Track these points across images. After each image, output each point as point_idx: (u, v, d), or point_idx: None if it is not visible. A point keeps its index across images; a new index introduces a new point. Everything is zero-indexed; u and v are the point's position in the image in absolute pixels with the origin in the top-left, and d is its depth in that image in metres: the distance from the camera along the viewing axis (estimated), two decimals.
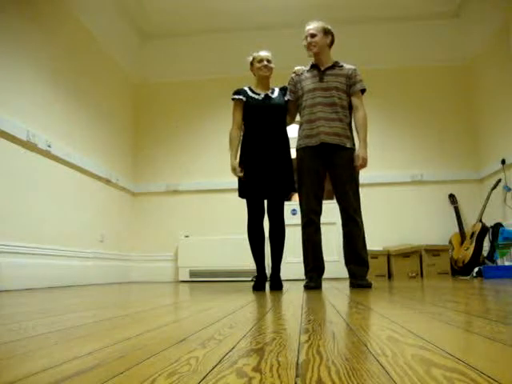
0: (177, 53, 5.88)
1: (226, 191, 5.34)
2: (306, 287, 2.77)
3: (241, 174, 2.85)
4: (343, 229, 2.87)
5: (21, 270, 3.34)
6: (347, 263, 2.86)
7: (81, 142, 4.43)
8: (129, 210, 5.54)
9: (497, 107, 4.86)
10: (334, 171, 2.87)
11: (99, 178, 4.76)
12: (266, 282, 2.95)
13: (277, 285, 2.87)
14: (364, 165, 2.84)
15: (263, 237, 2.95)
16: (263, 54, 2.96)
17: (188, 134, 5.74)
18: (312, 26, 2.92)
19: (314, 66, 2.97)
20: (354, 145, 2.89)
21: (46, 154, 3.77)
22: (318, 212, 2.88)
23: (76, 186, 4.30)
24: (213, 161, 5.56)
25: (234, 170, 2.87)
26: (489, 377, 0.53)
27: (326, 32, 2.92)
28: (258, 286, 2.82)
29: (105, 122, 5.01)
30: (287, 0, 5.19)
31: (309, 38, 2.90)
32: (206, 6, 5.24)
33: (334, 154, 2.84)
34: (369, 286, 2.72)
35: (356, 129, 2.91)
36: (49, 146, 3.78)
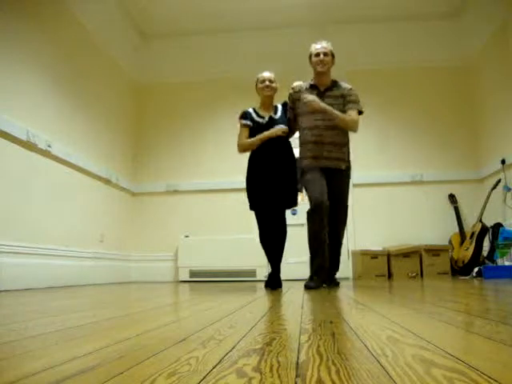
0: (177, 53, 5.87)
1: (226, 191, 5.34)
2: (307, 287, 2.78)
3: (285, 129, 2.95)
4: (330, 239, 2.96)
5: (21, 269, 3.34)
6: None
7: (81, 142, 4.43)
8: (129, 210, 5.54)
9: (497, 107, 4.86)
10: (329, 189, 2.95)
11: (99, 178, 4.75)
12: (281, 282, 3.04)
13: (276, 283, 2.95)
14: (310, 105, 2.87)
15: (276, 242, 3.04)
16: (266, 75, 3.07)
17: (188, 134, 5.73)
18: (325, 45, 3.01)
19: (313, 86, 3.04)
20: (349, 163, 3.05)
21: (46, 153, 3.77)
22: (327, 206, 2.90)
23: (76, 186, 4.29)
24: (213, 161, 5.56)
25: (274, 132, 2.94)
26: (489, 377, 0.53)
27: (333, 55, 3.03)
28: (272, 284, 2.96)
29: (105, 121, 5.01)
30: (287, 0, 5.19)
31: (322, 56, 2.97)
32: (206, 6, 5.23)
33: (331, 176, 2.96)
34: (337, 284, 3.05)
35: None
36: (49, 146, 3.78)
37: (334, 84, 3.03)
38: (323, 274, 2.87)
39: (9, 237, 3.27)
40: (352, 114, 2.93)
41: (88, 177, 4.53)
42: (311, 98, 2.88)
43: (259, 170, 2.98)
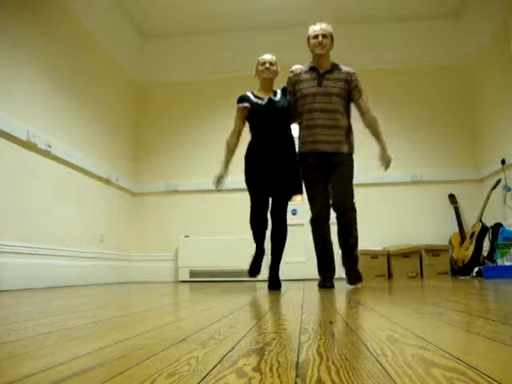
0: (177, 53, 5.87)
1: (226, 191, 5.32)
2: (322, 286, 2.81)
3: (218, 186, 2.94)
4: (338, 225, 2.86)
5: (21, 269, 3.34)
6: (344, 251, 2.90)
7: (81, 142, 4.43)
8: (129, 210, 5.54)
9: (497, 107, 4.86)
10: (332, 170, 2.87)
11: (99, 178, 4.75)
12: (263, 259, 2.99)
13: (275, 284, 2.90)
14: (389, 164, 2.92)
15: (266, 224, 2.93)
16: (266, 57, 2.98)
17: (188, 134, 5.73)
18: (324, 27, 2.90)
19: (312, 69, 2.96)
20: (351, 148, 2.93)
21: (46, 153, 3.77)
22: (328, 213, 2.89)
23: (76, 186, 4.29)
24: (213, 161, 5.51)
25: (216, 177, 2.93)
26: (489, 377, 0.53)
27: (332, 38, 2.94)
28: (255, 269, 2.93)
29: (105, 121, 5.01)
30: (288, 0, 5.19)
31: (320, 37, 2.87)
32: (206, 6, 5.23)
33: (332, 158, 2.86)
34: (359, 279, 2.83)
35: (371, 131, 2.95)
36: (49, 146, 3.78)
37: (335, 67, 2.93)
38: (330, 277, 2.87)
39: (9, 237, 3.27)
40: (364, 103, 2.93)
41: (88, 177, 4.53)
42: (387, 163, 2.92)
43: (258, 158, 2.87)
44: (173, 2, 5.17)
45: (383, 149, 2.91)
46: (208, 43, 5.78)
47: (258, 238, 2.96)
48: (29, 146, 3.53)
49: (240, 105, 2.95)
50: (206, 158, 5.63)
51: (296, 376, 0.56)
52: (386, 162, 2.90)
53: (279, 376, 0.56)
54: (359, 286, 2.82)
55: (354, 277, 2.83)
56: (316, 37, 2.89)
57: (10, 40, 3.43)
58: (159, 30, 5.74)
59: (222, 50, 5.75)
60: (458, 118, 5.43)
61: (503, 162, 4.59)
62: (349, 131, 2.94)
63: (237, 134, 3.00)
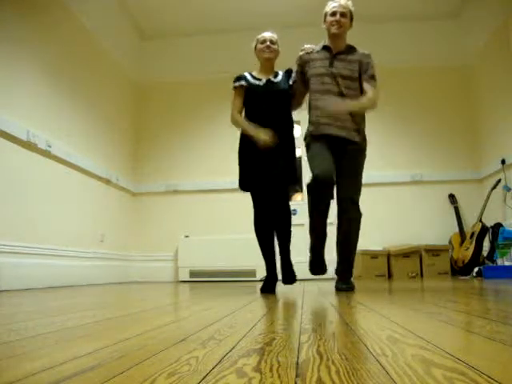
0: (177, 53, 5.88)
1: (226, 191, 5.33)
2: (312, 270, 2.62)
3: (267, 139, 2.50)
4: (338, 220, 2.58)
5: (21, 270, 3.34)
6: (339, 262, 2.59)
7: (81, 142, 4.43)
8: (129, 209, 5.54)
9: (497, 107, 4.86)
10: (338, 162, 2.56)
11: (99, 178, 4.75)
12: (277, 283, 2.68)
13: (290, 277, 2.61)
14: (339, 108, 2.50)
15: (273, 231, 2.64)
16: (266, 34, 2.74)
17: (188, 134, 5.73)
18: (344, 3, 2.56)
19: (325, 48, 2.65)
20: (363, 139, 2.61)
21: (46, 153, 3.77)
22: (333, 180, 2.49)
23: (76, 186, 4.29)
24: (213, 161, 5.56)
25: (260, 136, 2.51)
26: (489, 377, 0.53)
27: (352, 16, 2.61)
28: (267, 288, 2.55)
29: (105, 121, 5.01)
30: (287, 0, 5.19)
31: (338, 16, 2.53)
32: (206, 6, 5.24)
33: (340, 147, 2.54)
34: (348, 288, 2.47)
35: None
36: (49, 146, 3.78)
37: (350, 48, 2.63)
38: (319, 259, 2.63)
39: (9, 237, 3.27)
40: (369, 87, 2.55)
41: (88, 177, 4.53)
42: (334, 107, 2.50)
43: (253, 144, 2.54)
44: (173, 2, 5.17)
45: (353, 102, 2.51)
46: (208, 43, 5.78)
47: (267, 249, 2.65)
48: (29, 145, 3.53)
49: (236, 83, 2.69)
50: (206, 157, 5.64)
51: (296, 376, 0.56)
52: (339, 104, 2.49)
53: (279, 376, 0.56)
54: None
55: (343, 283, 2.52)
56: (334, 14, 2.55)
57: (10, 40, 3.43)
58: (159, 29, 5.74)
59: (222, 50, 5.75)
60: (458, 117, 5.43)
61: (503, 162, 4.60)
62: (362, 119, 2.64)
63: (238, 111, 2.70)
